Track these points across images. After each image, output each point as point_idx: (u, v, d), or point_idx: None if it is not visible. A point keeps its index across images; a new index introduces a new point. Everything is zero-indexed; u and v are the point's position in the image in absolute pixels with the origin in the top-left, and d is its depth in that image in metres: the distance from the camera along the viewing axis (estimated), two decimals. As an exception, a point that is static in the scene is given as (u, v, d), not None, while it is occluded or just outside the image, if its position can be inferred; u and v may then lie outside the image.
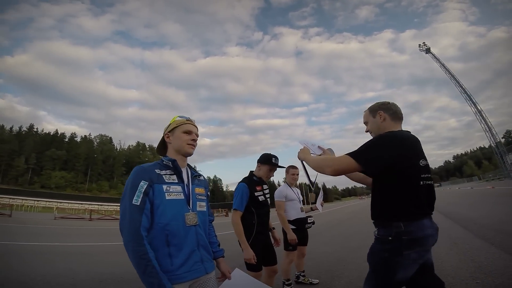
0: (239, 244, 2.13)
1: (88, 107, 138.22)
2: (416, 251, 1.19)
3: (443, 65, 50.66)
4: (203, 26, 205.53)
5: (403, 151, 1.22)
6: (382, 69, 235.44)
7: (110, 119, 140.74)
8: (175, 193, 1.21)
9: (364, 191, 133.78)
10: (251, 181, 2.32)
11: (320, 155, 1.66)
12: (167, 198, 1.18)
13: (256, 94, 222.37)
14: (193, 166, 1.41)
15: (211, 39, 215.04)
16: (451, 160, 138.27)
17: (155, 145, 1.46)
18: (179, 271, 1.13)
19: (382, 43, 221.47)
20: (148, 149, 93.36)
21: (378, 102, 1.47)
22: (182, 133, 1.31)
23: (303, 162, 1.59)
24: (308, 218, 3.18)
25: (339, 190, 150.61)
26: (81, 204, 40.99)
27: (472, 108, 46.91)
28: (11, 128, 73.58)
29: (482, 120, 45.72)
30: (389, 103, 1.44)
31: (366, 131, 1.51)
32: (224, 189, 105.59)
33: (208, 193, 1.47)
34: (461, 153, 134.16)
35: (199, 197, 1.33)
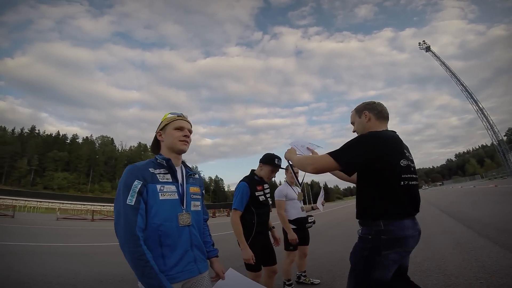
0: (238, 244, 2.10)
1: (89, 109, 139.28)
2: (396, 252, 1.19)
3: (443, 63, 50.44)
4: (202, 26, 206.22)
5: (382, 151, 1.23)
6: (383, 67, 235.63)
7: (112, 120, 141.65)
8: (169, 193, 1.18)
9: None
10: (252, 180, 2.28)
11: None
12: (160, 198, 1.15)
13: (257, 94, 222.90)
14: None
15: (211, 40, 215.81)
16: (453, 159, 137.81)
17: None
18: (172, 271, 1.12)
19: (381, 41, 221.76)
20: (149, 149, 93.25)
21: (364, 102, 1.49)
22: (174, 129, 1.27)
23: (289, 161, 1.64)
24: (309, 218, 3.15)
25: (341, 189, 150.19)
26: (84, 205, 41.13)
27: (474, 106, 46.70)
28: (13, 130, 74.07)
29: (483, 118, 45.48)
30: (374, 102, 1.46)
31: (353, 131, 1.53)
32: (226, 189, 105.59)
33: (203, 191, 1.45)
34: (463, 152, 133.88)
35: (194, 196, 1.31)
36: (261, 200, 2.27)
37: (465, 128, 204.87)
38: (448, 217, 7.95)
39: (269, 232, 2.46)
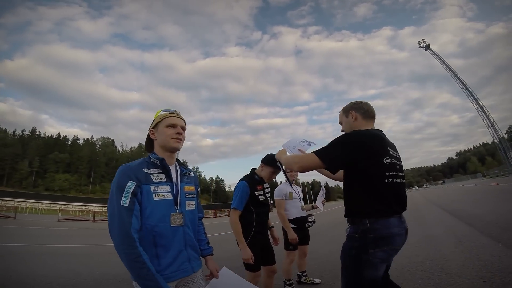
0: (237, 244, 2.09)
1: (89, 110, 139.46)
2: (383, 250, 1.20)
3: (443, 62, 50.38)
4: (201, 27, 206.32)
5: (364, 149, 1.25)
6: (382, 66, 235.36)
7: (112, 122, 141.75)
8: (163, 194, 1.17)
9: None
10: (252, 180, 2.26)
11: None
12: (154, 199, 1.14)
13: (257, 94, 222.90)
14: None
15: (210, 40, 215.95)
16: (454, 157, 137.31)
17: None
18: (166, 271, 1.11)
19: (381, 40, 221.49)
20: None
21: (351, 102, 1.52)
22: (166, 127, 1.24)
23: (279, 161, 1.69)
24: (309, 217, 3.13)
25: (342, 188, 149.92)
26: (85, 206, 41.27)
27: (474, 104, 46.62)
28: (14, 132, 74.27)
29: (484, 116, 45.38)
30: (361, 102, 1.50)
31: (342, 131, 1.56)
32: (227, 189, 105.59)
33: (198, 189, 1.43)
34: (464, 150, 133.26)
35: (188, 195, 1.29)
36: (261, 200, 2.25)
37: (466, 126, 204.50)
38: (449, 215, 7.91)
39: (268, 231, 2.44)
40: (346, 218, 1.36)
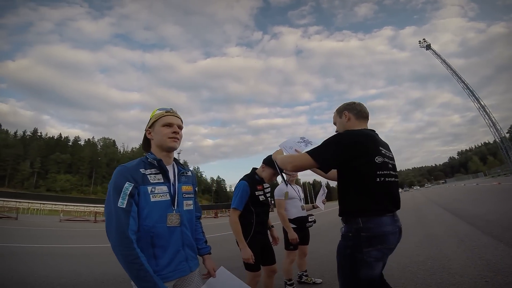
0: (237, 244, 2.08)
1: (90, 111, 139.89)
2: (377, 249, 1.20)
3: (444, 61, 50.26)
4: (202, 27, 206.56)
5: (356, 148, 1.26)
6: (383, 66, 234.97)
7: (113, 122, 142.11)
8: (160, 194, 1.16)
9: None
10: (252, 180, 2.24)
11: None
12: (152, 200, 1.13)
13: (258, 94, 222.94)
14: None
15: (211, 40, 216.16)
16: (456, 157, 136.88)
17: None
18: (164, 271, 1.11)
19: (382, 40, 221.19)
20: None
21: (344, 103, 1.55)
22: (162, 126, 1.23)
23: (275, 161, 1.71)
24: (309, 217, 3.12)
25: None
26: (87, 206, 41.39)
27: (475, 103, 46.49)
28: (15, 133, 74.67)
29: (485, 115, 45.25)
30: (354, 103, 1.52)
31: (336, 132, 1.57)
32: (228, 190, 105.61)
33: (196, 189, 1.42)
34: (466, 149, 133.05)
35: (186, 195, 1.28)
36: (261, 199, 2.24)
37: (467, 126, 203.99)
38: (451, 215, 7.88)
39: (268, 231, 2.43)
40: (340, 217, 1.37)
